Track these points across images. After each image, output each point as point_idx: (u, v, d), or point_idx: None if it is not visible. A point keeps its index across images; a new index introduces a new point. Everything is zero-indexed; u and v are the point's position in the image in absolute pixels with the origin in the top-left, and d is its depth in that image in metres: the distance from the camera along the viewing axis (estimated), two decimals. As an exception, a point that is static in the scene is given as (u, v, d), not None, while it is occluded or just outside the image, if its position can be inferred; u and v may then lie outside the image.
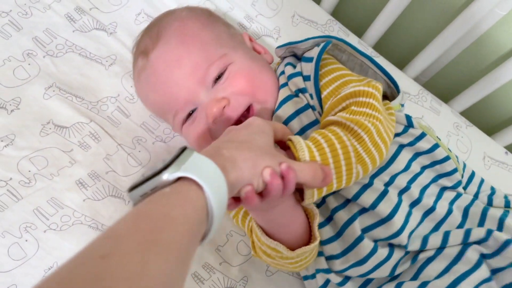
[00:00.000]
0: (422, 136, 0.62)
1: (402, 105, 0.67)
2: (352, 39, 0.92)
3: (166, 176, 0.36)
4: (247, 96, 0.62)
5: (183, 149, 0.40)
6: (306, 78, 0.63)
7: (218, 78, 0.62)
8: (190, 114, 0.64)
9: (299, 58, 0.69)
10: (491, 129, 0.97)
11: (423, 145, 0.61)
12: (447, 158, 0.61)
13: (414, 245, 0.57)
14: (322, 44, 0.63)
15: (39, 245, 0.62)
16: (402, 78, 0.91)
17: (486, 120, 0.99)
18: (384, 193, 0.56)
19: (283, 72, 0.66)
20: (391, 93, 0.67)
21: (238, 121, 0.61)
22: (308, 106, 0.62)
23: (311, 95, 0.62)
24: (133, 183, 0.38)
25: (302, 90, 0.63)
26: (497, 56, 0.90)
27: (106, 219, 0.66)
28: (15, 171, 0.65)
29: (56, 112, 0.71)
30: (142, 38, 0.67)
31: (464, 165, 0.67)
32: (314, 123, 0.61)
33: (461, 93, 0.94)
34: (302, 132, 0.61)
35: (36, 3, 0.77)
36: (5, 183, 0.64)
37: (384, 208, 0.55)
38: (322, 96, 0.61)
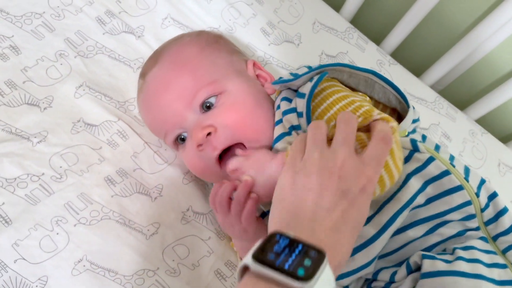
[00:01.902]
0: (429, 161, 0.56)
1: (413, 131, 0.64)
2: (371, 46, 0.94)
3: (300, 286, 0.36)
4: (235, 132, 0.60)
5: (323, 256, 0.38)
6: (299, 115, 0.60)
7: (209, 107, 0.62)
8: (180, 137, 0.65)
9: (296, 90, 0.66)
10: (506, 137, 0.98)
11: (431, 170, 0.56)
12: (458, 188, 0.55)
13: None
14: (315, 79, 0.60)
15: (69, 238, 0.64)
16: (419, 86, 0.93)
17: (501, 128, 1.00)
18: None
19: (279, 107, 0.64)
20: (401, 108, 0.65)
21: (226, 152, 0.61)
22: None
23: (305, 131, 0.59)
24: (262, 254, 0.38)
25: (296, 127, 0.60)
26: (511, 68, 0.91)
27: (133, 215, 0.68)
28: (47, 166, 0.67)
29: (86, 111, 0.73)
30: (147, 61, 0.70)
31: (483, 180, 0.58)
32: None
33: (476, 101, 0.95)
34: None
35: (69, 6, 0.80)
36: (38, 177, 0.66)
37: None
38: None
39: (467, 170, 0.58)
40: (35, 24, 0.76)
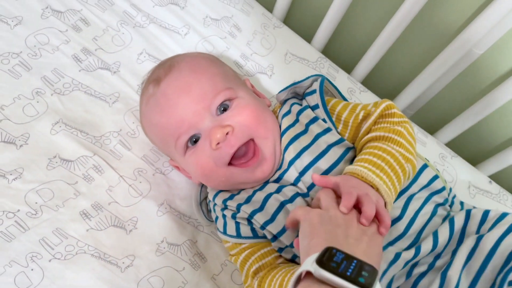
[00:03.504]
0: None
1: None
2: (342, 75, 0.96)
3: None
4: (250, 128, 0.65)
5: (376, 270, 0.44)
6: (314, 107, 0.70)
7: (224, 110, 0.66)
8: (191, 140, 0.67)
9: (300, 97, 0.75)
10: (475, 160, 1.00)
11: None
12: (435, 178, 0.67)
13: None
14: (319, 79, 0.72)
15: (44, 274, 0.64)
16: (390, 111, 0.95)
17: (470, 151, 1.02)
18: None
19: (289, 112, 0.71)
20: None
21: (236, 152, 0.65)
22: (318, 136, 0.67)
23: (324, 120, 0.68)
24: (327, 262, 0.43)
25: (314, 119, 0.68)
26: (478, 91, 0.94)
27: (108, 248, 0.68)
28: (22, 203, 0.68)
29: (62, 147, 0.74)
30: (155, 71, 0.72)
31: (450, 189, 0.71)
32: (327, 150, 0.66)
33: (445, 125, 0.98)
34: (311, 163, 0.65)
35: (45, 45, 0.82)
36: (13, 214, 0.67)
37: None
38: (334, 116, 0.69)
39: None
40: (12, 64, 0.78)
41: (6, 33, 0.80)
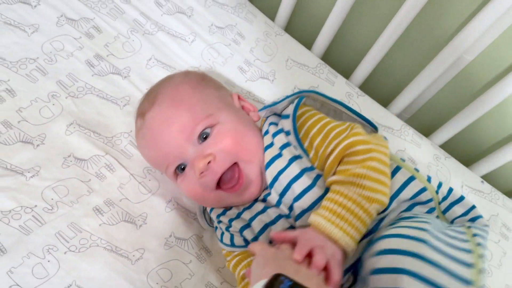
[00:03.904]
0: (397, 169, 0.66)
1: None
2: (340, 80, 1.00)
3: None
4: (232, 154, 0.67)
5: None
6: (287, 133, 0.69)
7: (206, 137, 0.68)
8: (179, 167, 0.70)
9: (280, 115, 0.75)
10: (468, 161, 1.04)
11: (399, 178, 0.65)
12: (423, 190, 0.65)
13: None
14: (296, 101, 0.71)
15: (59, 265, 0.67)
16: (386, 115, 0.99)
17: (463, 152, 1.06)
18: None
19: (267, 132, 0.72)
20: (370, 131, 0.74)
21: (223, 176, 0.67)
22: (292, 160, 0.67)
23: (295, 147, 0.68)
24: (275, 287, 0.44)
25: (286, 145, 0.68)
26: (469, 95, 0.97)
27: (120, 242, 0.72)
28: (39, 199, 0.72)
29: (76, 147, 0.78)
30: (142, 102, 0.75)
31: (440, 183, 0.69)
32: (299, 175, 0.66)
33: (439, 128, 1.01)
34: (286, 188, 0.66)
35: (60, 51, 0.86)
36: (31, 209, 0.70)
37: None
38: (305, 144, 0.68)
39: (428, 177, 0.69)
40: (29, 69, 0.82)
41: (24, 40, 0.84)
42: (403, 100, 1.01)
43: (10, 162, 0.73)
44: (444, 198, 0.68)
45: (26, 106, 0.79)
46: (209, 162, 0.65)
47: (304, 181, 0.65)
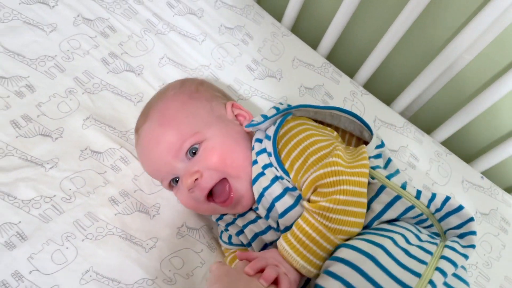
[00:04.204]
0: (381, 189, 0.65)
1: (379, 156, 0.72)
2: (345, 79, 1.03)
3: None
4: (219, 171, 0.69)
5: None
6: (270, 154, 0.70)
7: (195, 153, 0.70)
8: (174, 180, 0.73)
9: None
10: (468, 157, 1.06)
11: (384, 199, 0.65)
12: (410, 208, 0.65)
13: None
14: (278, 121, 0.71)
15: (77, 252, 0.70)
16: (389, 112, 1.02)
17: (463, 149, 1.08)
18: None
19: (253, 148, 0.72)
20: (368, 136, 0.74)
21: (214, 189, 0.70)
22: (275, 180, 0.68)
23: (276, 168, 0.68)
24: None
25: (269, 165, 0.69)
26: (468, 94, 1.00)
27: (134, 230, 0.74)
28: (58, 189, 0.74)
29: (92, 140, 0.81)
30: (140, 116, 0.78)
31: (434, 195, 0.66)
32: (281, 195, 0.67)
33: (440, 125, 1.04)
34: (271, 206, 0.68)
35: (77, 49, 0.89)
36: (50, 199, 0.73)
37: None
38: (286, 165, 0.67)
39: (418, 192, 0.66)
40: (48, 66, 0.86)
41: (42, 39, 0.88)
42: (406, 98, 1.03)
43: (30, 154, 0.76)
44: (438, 210, 0.66)
45: (45, 101, 0.82)
46: (196, 179, 0.68)
47: (286, 201, 0.67)
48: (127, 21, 0.96)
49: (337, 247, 0.60)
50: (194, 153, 0.71)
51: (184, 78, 0.85)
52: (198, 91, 0.78)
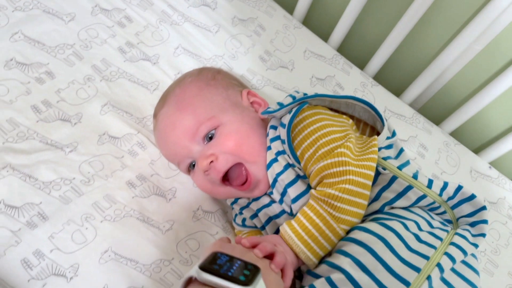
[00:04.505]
0: (393, 180, 0.66)
1: (390, 146, 0.72)
2: (355, 70, 1.05)
3: None
4: (234, 155, 0.70)
5: (258, 268, 0.47)
6: (283, 142, 0.70)
7: (212, 137, 0.71)
8: (191, 164, 0.74)
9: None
10: (476, 148, 1.08)
11: (396, 188, 0.66)
12: (422, 197, 0.66)
13: None
14: (293, 111, 0.71)
15: (96, 233, 0.71)
16: (399, 103, 1.03)
17: (471, 140, 1.09)
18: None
19: (268, 134, 0.73)
20: (380, 126, 0.74)
21: (230, 173, 0.71)
22: (287, 167, 0.69)
23: (289, 156, 0.69)
24: (209, 265, 0.45)
25: (282, 152, 0.70)
26: (476, 86, 1.02)
27: (151, 213, 0.76)
28: (77, 172, 0.76)
29: (110, 125, 0.82)
30: (158, 102, 0.79)
31: (446, 184, 0.68)
32: (294, 181, 0.69)
33: (448, 116, 1.05)
34: (284, 191, 0.69)
35: (95, 38, 0.91)
36: (70, 181, 0.75)
37: None
38: (298, 153, 0.68)
39: (430, 181, 0.67)
40: (67, 54, 0.87)
41: (62, 28, 0.90)
42: (414, 90, 1.05)
43: (51, 138, 0.78)
44: (451, 198, 0.67)
45: (64, 87, 0.84)
46: (211, 162, 0.69)
47: (299, 186, 0.68)
48: (143, 12, 0.98)
49: (352, 229, 0.62)
50: (211, 138, 0.72)
51: (201, 67, 0.86)
52: (215, 78, 0.79)
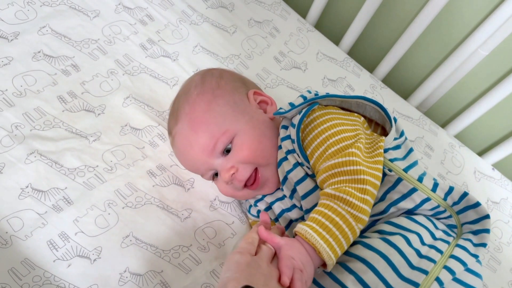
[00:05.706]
0: (398, 181, 0.67)
1: (397, 147, 0.72)
2: (365, 73, 1.08)
3: None
4: (252, 163, 0.72)
5: None
6: (293, 141, 0.71)
7: (228, 150, 0.73)
8: (214, 173, 0.76)
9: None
10: (480, 150, 1.10)
11: (400, 190, 0.67)
12: (426, 200, 0.66)
13: None
14: (303, 112, 0.71)
15: (118, 218, 0.73)
16: (406, 106, 1.06)
17: (475, 142, 1.12)
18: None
19: (279, 134, 0.75)
20: (389, 127, 0.73)
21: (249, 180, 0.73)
22: (296, 165, 0.71)
23: (298, 155, 0.70)
24: None
25: (292, 151, 0.71)
26: (480, 91, 1.04)
27: (170, 201, 0.78)
28: (100, 160, 0.78)
29: (132, 117, 0.84)
30: (169, 118, 0.79)
31: (451, 189, 0.68)
32: (302, 179, 0.70)
33: (453, 120, 1.08)
34: (294, 188, 0.71)
35: (118, 35, 0.94)
36: (93, 169, 0.76)
37: None
38: (308, 152, 0.69)
39: (435, 185, 0.67)
40: (91, 48, 0.90)
41: (87, 23, 0.92)
42: (421, 93, 1.07)
43: (75, 127, 0.80)
44: (456, 203, 0.67)
45: (88, 80, 0.86)
46: (233, 174, 0.71)
47: (308, 184, 0.70)
48: (164, 11, 1.00)
49: (354, 243, 0.62)
50: (228, 151, 0.74)
51: (202, 71, 0.84)
52: (219, 86, 0.77)
